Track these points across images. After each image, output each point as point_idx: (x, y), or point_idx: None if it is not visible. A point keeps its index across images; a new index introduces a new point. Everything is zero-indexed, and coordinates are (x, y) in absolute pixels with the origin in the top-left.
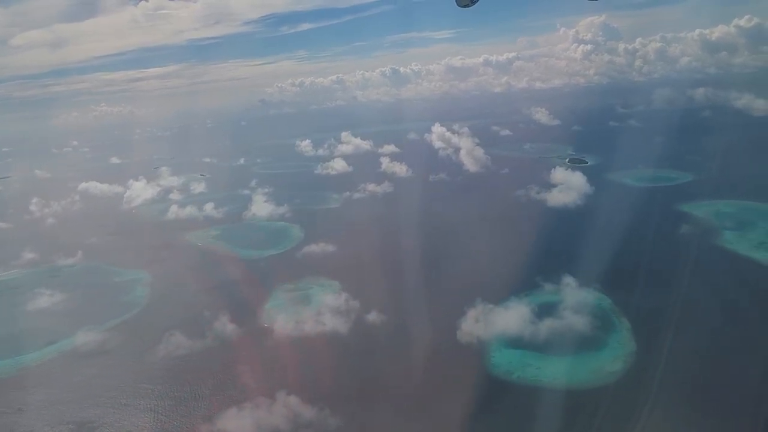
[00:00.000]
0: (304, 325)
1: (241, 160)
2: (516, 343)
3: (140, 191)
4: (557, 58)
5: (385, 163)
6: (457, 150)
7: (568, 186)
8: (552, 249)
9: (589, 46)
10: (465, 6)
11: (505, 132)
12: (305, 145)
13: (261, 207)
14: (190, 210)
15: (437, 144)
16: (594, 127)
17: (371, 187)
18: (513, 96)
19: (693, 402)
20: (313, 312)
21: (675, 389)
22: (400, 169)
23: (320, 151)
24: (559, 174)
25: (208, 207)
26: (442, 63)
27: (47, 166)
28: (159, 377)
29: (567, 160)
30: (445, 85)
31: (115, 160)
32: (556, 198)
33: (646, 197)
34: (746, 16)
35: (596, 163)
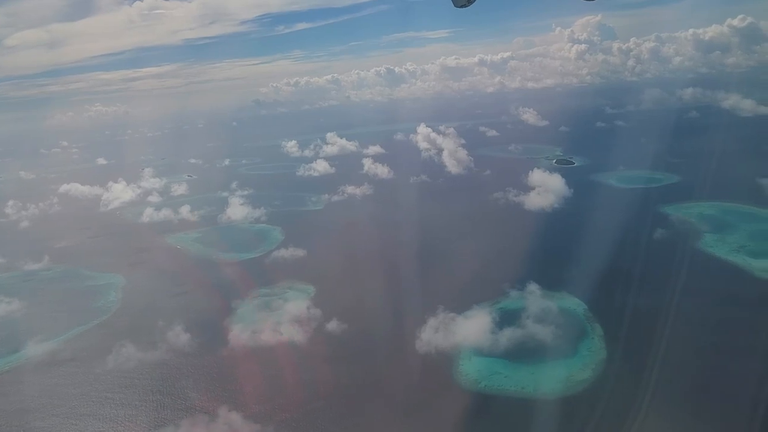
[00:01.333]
0: (266, 334)
1: (226, 162)
2: (485, 350)
3: (119, 193)
4: (552, 58)
5: (368, 164)
6: (442, 151)
7: (545, 188)
8: (526, 253)
9: (583, 46)
10: (462, 6)
11: (493, 133)
12: (291, 146)
13: (236, 210)
14: (166, 213)
15: (422, 145)
16: (581, 128)
17: (350, 189)
18: (505, 96)
19: (662, 412)
20: (278, 319)
21: (644, 399)
22: (382, 171)
23: (306, 152)
24: (537, 176)
25: (186, 210)
26: (436, 63)
27: (33, 167)
28: (121, 386)
29: (554, 161)
30: (438, 85)
31: (101, 161)
32: (534, 201)
33: (629, 199)
34: (739, 16)
35: (583, 164)
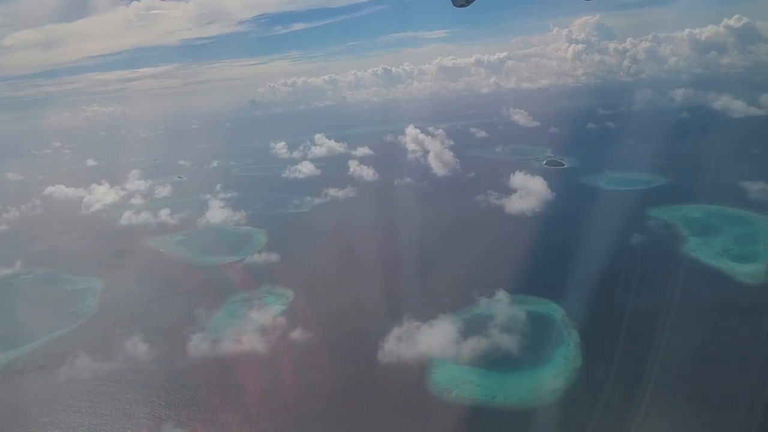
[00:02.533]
0: (234, 342)
1: (215, 163)
2: (458, 358)
3: (101, 195)
4: (548, 58)
5: (354, 166)
6: (429, 153)
7: (527, 191)
8: (504, 258)
9: (580, 46)
10: (461, 6)
11: (482, 134)
12: (280, 148)
13: (216, 213)
14: (149, 215)
15: (411, 146)
16: (571, 129)
17: (333, 191)
18: (500, 96)
19: (636, 422)
20: (250, 327)
21: (617, 409)
22: (368, 173)
23: (295, 154)
24: (519, 179)
25: (169, 212)
26: (433, 63)
27: (22, 168)
28: (90, 393)
29: (544, 162)
30: (435, 85)
31: (91, 162)
32: (515, 204)
33: (615, 201)
34: (735, 16)
35: (573, 166)
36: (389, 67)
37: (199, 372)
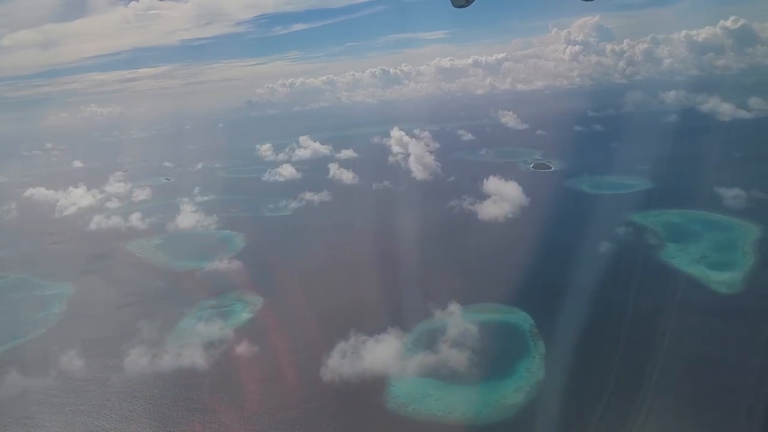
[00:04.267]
0: (183, 355)
1: (200, 165)
2: (419, 371)
3: (77, 199)
4: (546, 59)
5: (334, 169)
6: (411, 156)
7: (501, 196)
8: (475, 265)
9: (577, 47)
10: (460, 6)
11: (471, 136)
12: (265, 150)
13: (187, 217)
14: (126, 219)
15: (395, 149)
16: (558, 132)
17: (309, 196)
18: (495, 98)
19: None
20: (204, 339)
21: (573, 429)
22: (347, 177)
23: (281, 156)
24: (494, 183)
25: (141, 216)
26: (431, 64)
27: (8, 169)
28: (39, 403)
29: (532, 165)
30: (430, 86)
31: (78, 164)
32: (488, 210)
33: (598, 206)
34: (732, 17)
35: (560, 169)
36: (387, 68)
37: (149, 384)
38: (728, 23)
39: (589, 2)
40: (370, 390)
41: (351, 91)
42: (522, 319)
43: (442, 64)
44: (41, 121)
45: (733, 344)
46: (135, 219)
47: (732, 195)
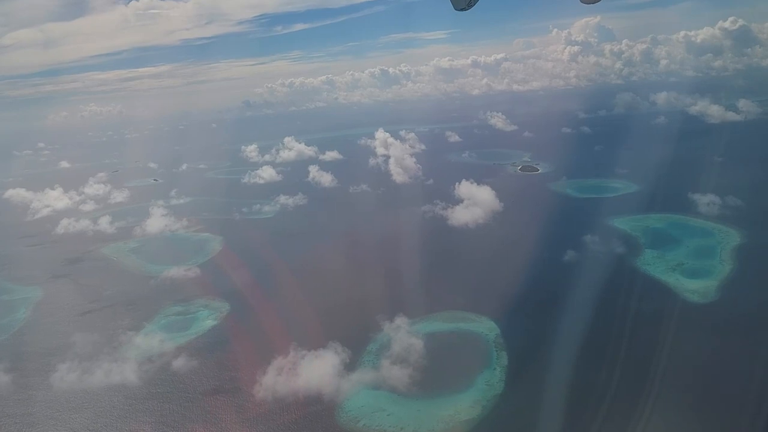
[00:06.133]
0: (135, 366)
1: (184, 166)
2: (375, 384)
3: (52, 201)
4: (545, 60)
5: (313, 172)
6: (394, 158)
7: (473, 201)
8: (443, 272)
9: (576, 48)
10: (462, 9)
11: (457, 138)
12: (251, 151)
13: (158, 221)
14: (89, 223)
15: (379, 151)
16: (545, 134)
17: (283, 199)
18: (489, 99)
19: None
20: (161, 348)
21: None
22: (326, 180)
23: (266, 157)
24: (464, 188)
25: (112, 219)
26: (430, 64)
27: None
28: None
29: (519, 167)
30: (427, 87)
31: (65, 164)
32: (460, 215)
33: (580, 210)
34: (730, 18)
35: (547, 171)
36: (387, 68)
37: (73, 398)
38: (727, 24)
39: (593, 4)
40: (323, 404)
41: (349, 92)
42: (488, 328)
43: (441, 64)
44: (40, 120)
45: (696, 355)
46: (108, 222)
47: (713, 200)
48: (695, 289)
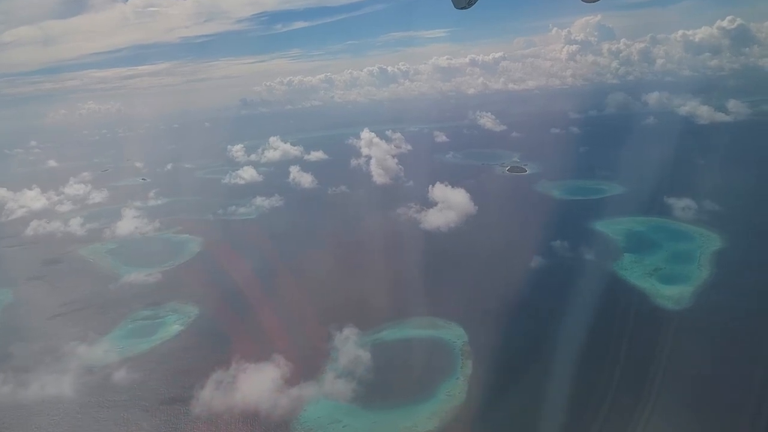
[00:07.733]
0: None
1: (169, 166)
2: (333, 394)
3: (29, 201)
4: (544, 58)
5: (294, 172)
6: (379, 158)
7: (448, 204)
8: (414, 277)
9: (574, 47)
10: (462, 8)
11: (443, 138)
12: (237, 150)
13: (127, 223)
14: (65, 223)
15: (364, 151)
16: (533, 134)
17: (259, 201)
18: (485, 98)
19: None
20: (123, 354)
21: None
22: (306, 180)
23: (252, 157)
24: (439, 190)
25: (86, 221)
26: (429, 63)
27: None
28: None
29: (507, 168)
30: (424, 86)
31: (53, 163)
32: (432, 218)
33: (563, 213)
34: (728, 17)
35: (535, 172)
36: (385, 67)
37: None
38: (725, 23)
39: (595, 2)
40: (278, 416)
41: (347, 90)
42: (456, 335)
43: (439, 63)
44: (39, 118)
45: (667, 363)
46: (79, 224)
47: (691, 204)
48: (670, 295)
